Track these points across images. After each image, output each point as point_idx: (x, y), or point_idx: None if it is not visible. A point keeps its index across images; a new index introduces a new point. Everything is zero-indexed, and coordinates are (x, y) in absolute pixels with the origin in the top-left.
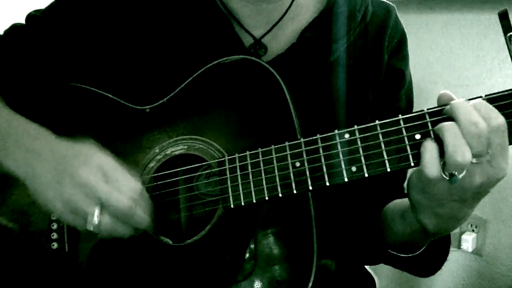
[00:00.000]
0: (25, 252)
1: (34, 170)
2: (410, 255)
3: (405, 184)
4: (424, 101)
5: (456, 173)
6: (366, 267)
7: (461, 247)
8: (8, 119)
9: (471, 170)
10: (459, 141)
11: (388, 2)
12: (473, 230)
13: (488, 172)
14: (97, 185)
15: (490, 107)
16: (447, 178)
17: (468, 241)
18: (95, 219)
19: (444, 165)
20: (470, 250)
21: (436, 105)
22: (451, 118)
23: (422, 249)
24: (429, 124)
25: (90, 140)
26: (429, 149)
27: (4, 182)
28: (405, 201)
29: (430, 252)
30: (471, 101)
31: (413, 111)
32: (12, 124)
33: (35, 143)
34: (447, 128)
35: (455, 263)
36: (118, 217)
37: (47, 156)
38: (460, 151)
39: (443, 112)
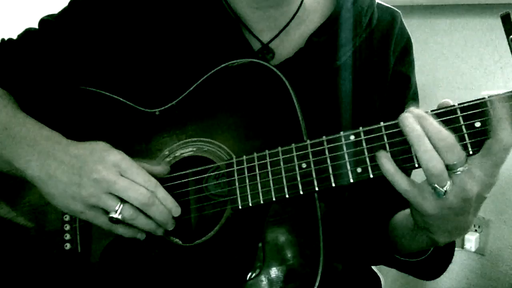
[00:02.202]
0: (39, 253)
1: (48, 171)
2: (416, 259)
3: None
4: (428, 104)
5: (437, 186)
6: (372, 266)
7: (464, 246)
8: (22, 123)
9: (460, 180)
10: (428, 154)
11: (393, 8)
12: (476, 230)
13: (480, 179)
14: (115, 180)
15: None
16: (432, 191)
17: (471, 241)
18: (118, 211)
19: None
20: (473, 249)
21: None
22: (456, 120)
23: (428, 253)
24: None
25: (101, 141)
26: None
27: (18, 183)
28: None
29: (435, 256)
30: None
31: None
32: (27, 127)
33: (48, 145)
34: (416, 141)
35: (459, 262)
36: (138, 208)
37: (61, 157)
38: (432, 165)
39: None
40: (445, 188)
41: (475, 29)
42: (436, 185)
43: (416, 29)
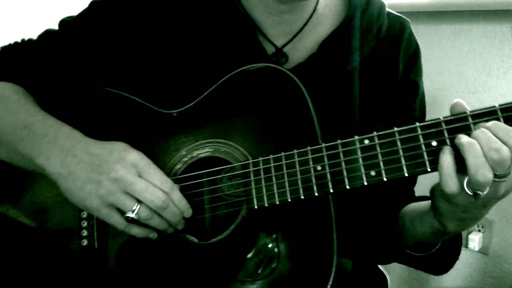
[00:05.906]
0: (56, 249)
1: (68, 168)
2: (425, 254)
3: (415, 188)
4: (433, 107)
5: (479, 192)
6: (379, 266)
7: (468, 246)
8: (43, 120)
9: (497, 184)
10: (480, 162)
11: (403, 16)
12: (479, 230)
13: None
14: (133, 181)
15: (509, 128)
16: (471, 194)
17: (475, 240)
18: (135, 211)
19: (468, 182)
20: (476, 249)
21: (450, 113)
22: (468, 127)
23: (436, 247)
24: (445, 131)
25: (120, 141)
26: (446, 166)
27: (29, 181)
28: (422, 204)
29: (443, 251)
30: (489, 124)
31: (426, 119)
32: (47, 124)
33: (68, 143)
34: (468, 149)
35: (462, 261)
36: (153, 209)
37: (81, 155)
38: (481, 172)
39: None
40: (484, 193)
41: (479, 34)
42: (479, 192)
43: (422, 35)
